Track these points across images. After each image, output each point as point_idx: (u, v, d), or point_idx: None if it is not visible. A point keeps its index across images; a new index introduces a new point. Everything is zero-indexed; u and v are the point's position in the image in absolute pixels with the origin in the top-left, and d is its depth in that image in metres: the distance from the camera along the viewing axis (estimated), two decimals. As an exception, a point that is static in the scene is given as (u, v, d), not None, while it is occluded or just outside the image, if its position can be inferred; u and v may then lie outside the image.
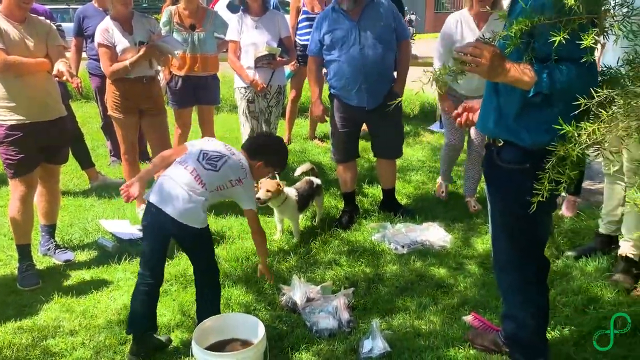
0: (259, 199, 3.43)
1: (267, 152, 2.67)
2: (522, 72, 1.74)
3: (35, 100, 3.07)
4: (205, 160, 2.47)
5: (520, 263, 2.13)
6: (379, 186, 4.45)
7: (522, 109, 1.89)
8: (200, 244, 2.52)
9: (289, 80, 5.49)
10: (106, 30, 3.68)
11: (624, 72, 1.82)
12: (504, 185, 2.06)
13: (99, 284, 3.15)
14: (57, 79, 3.05)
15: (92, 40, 4.86)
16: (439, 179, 4.47)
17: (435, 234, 3.64)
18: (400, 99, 2.16)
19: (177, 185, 2.39)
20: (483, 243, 3.56)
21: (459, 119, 2.30)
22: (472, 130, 3.91)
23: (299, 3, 5.55)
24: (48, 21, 3.29)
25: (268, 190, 3.42)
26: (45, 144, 3.16)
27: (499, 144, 2.03)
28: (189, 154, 2.50)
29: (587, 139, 1.68)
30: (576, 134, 1.69)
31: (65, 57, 3.19)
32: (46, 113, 3.14)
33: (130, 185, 2.44)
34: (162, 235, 2.48)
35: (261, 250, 2.73)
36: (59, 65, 3.00)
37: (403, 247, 3.50)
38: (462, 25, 3.64)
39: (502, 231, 2.15)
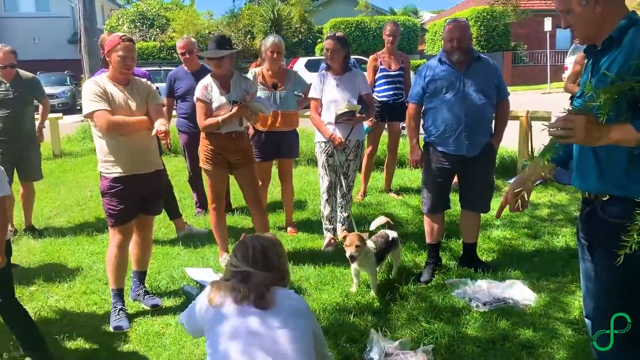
0: (352, 257, 3.46)
1: None
2: (623, 132, 1.72)
3: (136, 155, 3.33)
4: None
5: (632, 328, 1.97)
6: (458, 240, 4.37)
7: (631, 164, 1.86)
8: None
9: (367, 135, 5.61)
10: (205, 87, 4.00)
11: None
12: (611, 241, 1.91)
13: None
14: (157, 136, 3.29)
15: (182, 100, 5.29)
16: None
17: (519, 292, 3.49)
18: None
19: None
20: (572, 303, 3.38)
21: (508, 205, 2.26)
22: None
23: (377, 62, 5.75)
24: (149, 82, 3.62)
25: (357, 246, 3.47)
26: (144, 195, 3.41)
27: (603, 199, 1.97)
28: None
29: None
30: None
31: (163, 114, 3.47)
32: (146, 166, 3.39)
33: None
34: None
35: None
36: (161, 127, 3.24)
37: (485, 304, 3.37)
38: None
39: (606, 290, 2.02)
